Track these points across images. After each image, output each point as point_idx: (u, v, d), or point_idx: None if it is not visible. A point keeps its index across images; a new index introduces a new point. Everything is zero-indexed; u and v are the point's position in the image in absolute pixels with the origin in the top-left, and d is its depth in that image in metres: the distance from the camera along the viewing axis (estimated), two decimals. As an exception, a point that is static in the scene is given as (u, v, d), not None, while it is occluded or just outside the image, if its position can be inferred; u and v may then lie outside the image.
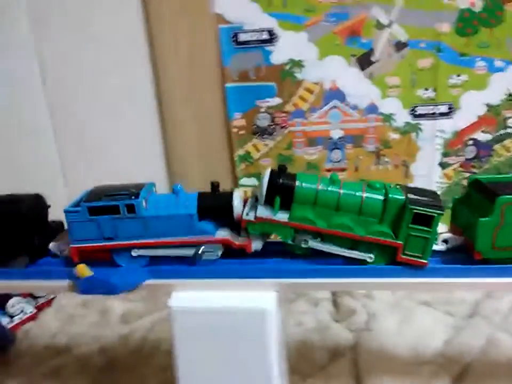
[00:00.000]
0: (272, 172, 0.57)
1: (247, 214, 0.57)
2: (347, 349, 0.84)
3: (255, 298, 0.52)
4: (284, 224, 0.56)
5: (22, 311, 0.99)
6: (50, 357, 0.88)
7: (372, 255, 0.56)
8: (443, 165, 1.21)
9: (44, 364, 0.86)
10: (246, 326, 0.50)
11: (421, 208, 0.53)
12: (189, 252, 0.57)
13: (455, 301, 0.96)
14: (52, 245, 0.61)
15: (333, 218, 0.56)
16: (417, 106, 1.17)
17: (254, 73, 1.17)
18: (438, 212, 0.53)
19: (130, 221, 0.56)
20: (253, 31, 1.13)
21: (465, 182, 1.06)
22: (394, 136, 1.20)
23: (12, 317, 0.97)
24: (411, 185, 0.60)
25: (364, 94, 1.17)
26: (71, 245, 0.57)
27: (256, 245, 0.58)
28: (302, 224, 0.56)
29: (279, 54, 1.15)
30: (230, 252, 0.58)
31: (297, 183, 0.56)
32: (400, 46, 1.13)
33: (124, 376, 0.82)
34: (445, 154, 1.20)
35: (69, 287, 0.57)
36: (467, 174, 1.20)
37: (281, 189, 0.56)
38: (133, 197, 0.56)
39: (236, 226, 0.59)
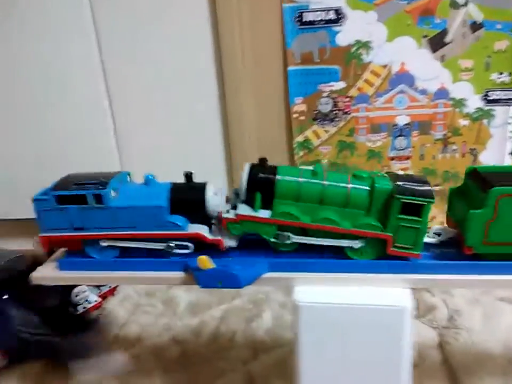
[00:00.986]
0: (252, 166, 0.54)
1: (228, 212, 0.53)
2: (435, 346, 0.80)
3: (390, 296, 0.48)
4: (266, 222, 0.52)
5: (86, 300, 0.96)
6: (124, 347, 0.85)
7: (357, 241, 0.52)
8: (515, 154, 1.15)
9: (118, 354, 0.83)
10: (381, 325, 0.47)
11: (409, 197, 0.49)
12: (160, 245, 0.55)
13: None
14: (34, 244, 0.60)
15: (318, 212, 0.52)
16: (490, 91, 1.11)
17: (318, 56, 1.11)
18: (427, 200, 0.49)
19: (99, 211, 0.54)
20: (319, 10, 1.08)
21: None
22: (464, 122, 1.14)
23: (76, 306, 0.95)
24: (401, 172, 0.55)
25: (434, 78, 1.11)
26: (40, 234, 0.56)
27: (230, 242, 0.54)
28: (285, 220, 0.52)
29: (346, 34, 1.09)
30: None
31: (277, 177, 0.52)
32: (475, 27, 1.07)
33: (201, 370, 0.79)
34: (517, 143, 1.14)
35: (185, 279, 0.54)
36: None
37: (261, 184, 0.53)
38: (100, 187, 0.53)
39: (209, 222, 0.56)
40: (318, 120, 1.17)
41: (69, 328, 0.72)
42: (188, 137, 1.18)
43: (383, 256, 0.53)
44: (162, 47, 1.10)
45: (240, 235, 0.55)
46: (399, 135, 1.17)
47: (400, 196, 0.49)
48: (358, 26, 1.09)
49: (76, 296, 0.95)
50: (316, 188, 0.52)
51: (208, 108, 1.15)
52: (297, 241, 0.53)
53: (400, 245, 0.51)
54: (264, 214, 0.53)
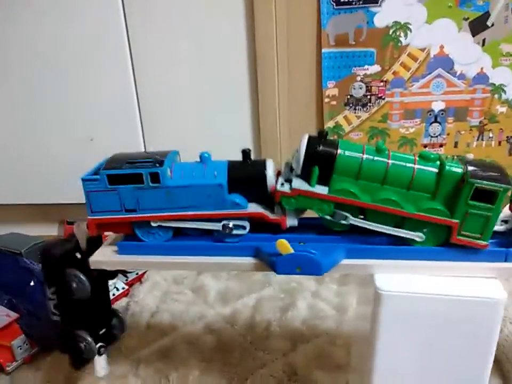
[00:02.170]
0: (310, 138, 0.50)
1: (282, 185, 0.50)
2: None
3: (481, 287, 0.45)
4: (323, 198, 0.49)
5: (115, 287, 0.94)
6: (158, 336, 0.83)
7: (421, 234, 0.49)
8: (554, 143, 1.12)
9: (153, 343, 0.81)
10: (472, 317, 0.44)
11: (484, 182, 0.45)
12: (217, 225, 0.52)
13: None
14: (75, 226, 0.57)
15: (379, 192, 0.49)
16: (531, 77, 1.07)
17: (353, 38, 1.07)
18: (504, 186, 0.45)
19: (154, 192, 0.50)
20: (357, -11, 1.03)
21: None
22: (502, 109, 1.10)
23: (105, 292, 0.92)
24: (471, 156, 0.51)
25: (473, 62, 1.07)
26: (88, 216, 0.52)
27: (292, 221, 0.51)
28: (344, 198, 0.49)
29: (384, 15, 1.05)
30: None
31: (339, 151, 0.48)
32: (518, 10, 1.02)
33: (240, 359, 0.77)
34: (558, 131, 1.10)
35: (256, 265, 0.50)
36: None
37: (320, 158, 0.49)
38: (157, 165, 0.50)
39: (269, 200, 0.53)
40: (350, 105, 1.13)
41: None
42: (216, 119, 1.14)
43: (444, 244, 0.49)
44: (194, 27, 1.06)
45: (300, 215, 0.52)
46: (434, 122, 1.13)
47: (474, 180, 0.45)
48: (397, 7, 1.04)
49: (106, 282, 0.92)
50: (379, 166, 0.48)
51: (239, 88, 1.11)
52: (355, 223, 0.50)
53: (467, 233, 0.48)
54: (322, 190, 0.49)
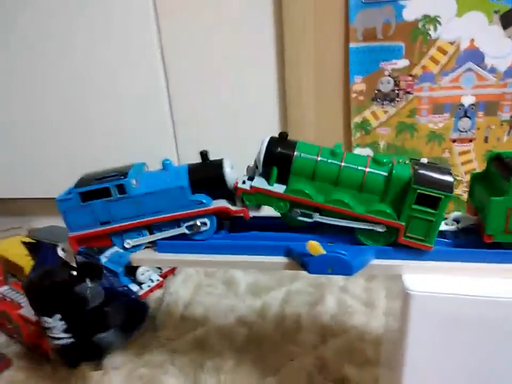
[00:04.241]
0: (271, 140, 0.53)
1: (244, 183, 0.54)
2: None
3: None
4: (279, 197, 0.52)
5: (150, 279, 0.98)
6: (192, 327, 0.87)
7: (381, 226, 0.51)
8: None
9: (187, 334, 0.85)
10: (504, 318, 0.45)
11: (427, 188, 0.47)
12: (182, 230, 0.56)
13: None
14: (59, 250, 0.61)
15: (332, 193, 0.52)
16: None
17: (382, 32, 1.07)
18: (445, 193, 0.46)
19: (123, 202, 0.54)
20: (385, -17, 1.03)
21: None
22: (534, 103, 1.08)
23: (140, 284, 0.97)
24: (425, 160, 0.52)
25: (505, 56, 1.05)
26: (69, 234, 0.57)
27: (253, 211, 0.56)
28: (298, 197, 0.52)
29: (413, 9, 1.04)
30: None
31: (295, 153, 0.52)
32: (553, 0, 1.00)
33: (271, 352, 0.80)
34: None
35: (288, 265, 0.53)
36: None
37: (278, 159, 0.52)
38: (122, 177, 0.54)
39: (230, 196, 0.57)
40: (378, 100, 1.13)
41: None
42: (243, 113, 1.16)
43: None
44: (223, 24, 1.08)
45: (260, 208, 0.56)
46: (463, 116, 1.12)
47: (417, 186, 0.47)
48: (426, 0, 1.03)
49: (142, 275, 0.96)
50: (332, 168, 0.51)
51: (266, 84, 1.12)
52: (319, 220, 0.53)
53: (412, 235, 0.50)
54: (279, 188, 0.53)
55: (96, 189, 0.54)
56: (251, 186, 0.53)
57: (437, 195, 0.47)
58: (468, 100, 1.10)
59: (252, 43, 1.09)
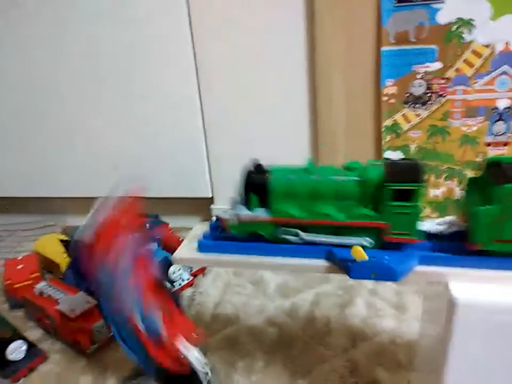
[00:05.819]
0: (247, 171, 0.55)
1: (225, 213, 0.56)
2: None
3: None
4: (262, 221, 0.54)
5: (181, 278, 1.00)
6: (222, 326, 0.88)
7: (368, 238, 0.52)
8: None
9: (218, 333, 0.86)
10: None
11: (397, 184, 0.48)
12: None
13: None
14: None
15: (313, 207, 0.53)
16: None
17: (414, 35, 1.06)
18: (415, 184, 0.48)
19: None
20: (419, -14, 1.02)
21: None
22: None
23: (172, 283, 0.99)
24: (395, 158, 0.53)
25: (542, 59, 1.03)
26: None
27: None
28: (282, 218, 0.54)
29: (447, 12, 1.03)
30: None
31: (268, 176, 0.54)
32: None
33: (302, 353, 0.80)
34: None
35: (330, 268, 0.53)
36: None
37: (255, 186, 0.55)
38: None
39: None
40: (409, 104, 1.12)
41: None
42: (275, 117, 1.17)
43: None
44: (254, 28, 1.09)
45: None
46: (498, 120, 1.10)
47: (388, 184, 0.49)
48: (460, 4, 1.02)
49: (173, 273, 0.98)
50: (307, 184, 0.53)
51: (296, 87, 1.13)
52: (305, 238, 0.54)
53: (397, 232, 0.51)
54: (261, 212, 0.55)
55: None
56: (234, 215, 0.55)
57: (408, 187, 0.48)
58: (502, 103, 1.08)
59: (284, 47, 1.10)
